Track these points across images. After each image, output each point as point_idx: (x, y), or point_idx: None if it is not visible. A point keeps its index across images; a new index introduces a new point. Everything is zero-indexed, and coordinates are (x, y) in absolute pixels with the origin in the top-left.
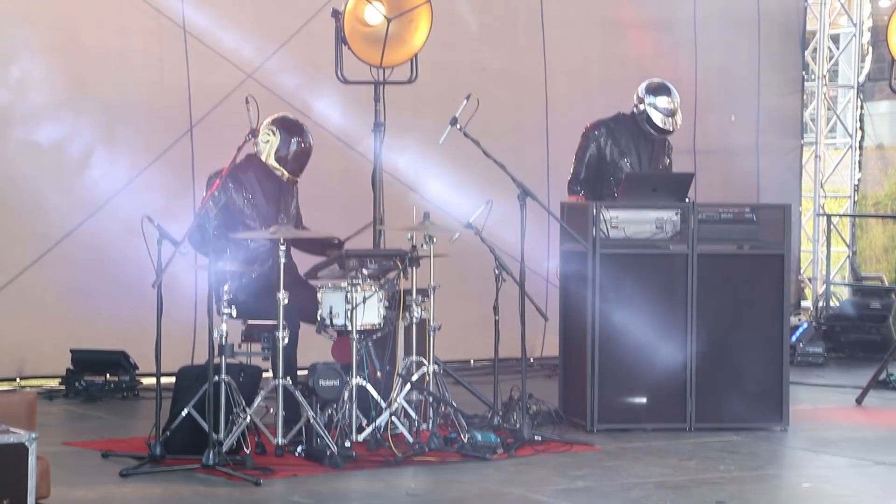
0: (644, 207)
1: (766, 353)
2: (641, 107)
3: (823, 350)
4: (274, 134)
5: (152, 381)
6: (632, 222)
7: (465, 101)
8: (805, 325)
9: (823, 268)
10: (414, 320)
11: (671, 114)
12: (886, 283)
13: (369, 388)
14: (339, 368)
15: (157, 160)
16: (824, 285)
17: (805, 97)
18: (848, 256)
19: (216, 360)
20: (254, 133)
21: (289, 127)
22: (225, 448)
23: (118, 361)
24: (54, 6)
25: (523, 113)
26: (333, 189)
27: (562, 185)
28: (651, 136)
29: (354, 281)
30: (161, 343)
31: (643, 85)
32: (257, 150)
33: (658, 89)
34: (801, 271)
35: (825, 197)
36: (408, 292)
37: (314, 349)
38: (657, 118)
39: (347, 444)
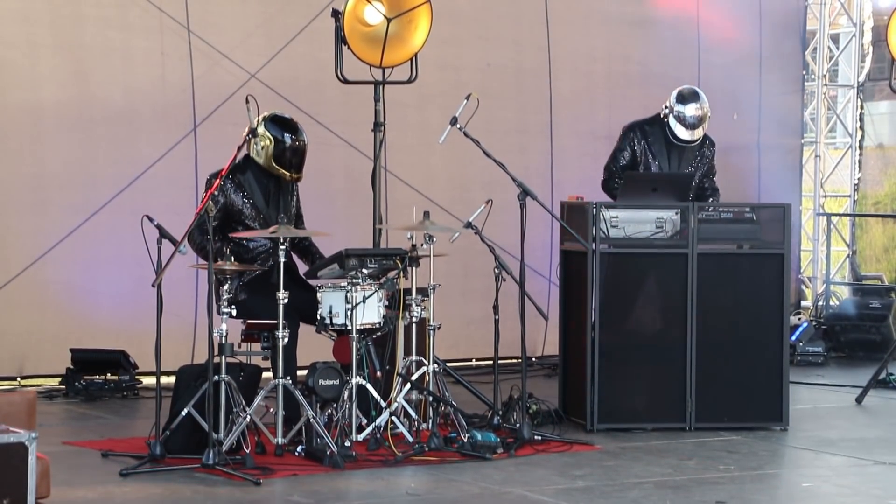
0: (644, 207)
1: (766, 352)
2: (669, 114)
3: (823, 349)
4: (267, 134)
5: (152, 380)
6: (632, 221)
7: (464, 101)
8: (805, 325)
9: (823, 267)
10: (414, 320)
11: (698, 121)
12: (886, 283)
13: (369, 387)
14: (339, 368)
15: (160, 159)
16: (824, 285)
17: (805, 97)
18: (848, 256)
19: (216, 360)
20: (253, 132)
21: (281, 125)
22: (225, 447)
23: (118, 361)
24: (57, 4)
25: (527, 111)
26: (336, 188)
27: (564, 184)
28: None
29: (354, 280)
30: (161, 342)
31: (674, 92)
32: (253, 150)
33: (687, 97)
34: (801, 271)
35: (825, 196)
36: (408, 292)
37: (314, 349)
38: (679, 130)
39: (347, 443)
